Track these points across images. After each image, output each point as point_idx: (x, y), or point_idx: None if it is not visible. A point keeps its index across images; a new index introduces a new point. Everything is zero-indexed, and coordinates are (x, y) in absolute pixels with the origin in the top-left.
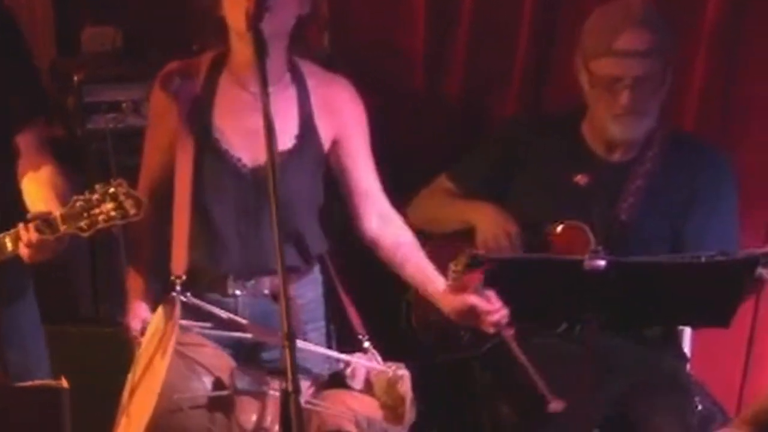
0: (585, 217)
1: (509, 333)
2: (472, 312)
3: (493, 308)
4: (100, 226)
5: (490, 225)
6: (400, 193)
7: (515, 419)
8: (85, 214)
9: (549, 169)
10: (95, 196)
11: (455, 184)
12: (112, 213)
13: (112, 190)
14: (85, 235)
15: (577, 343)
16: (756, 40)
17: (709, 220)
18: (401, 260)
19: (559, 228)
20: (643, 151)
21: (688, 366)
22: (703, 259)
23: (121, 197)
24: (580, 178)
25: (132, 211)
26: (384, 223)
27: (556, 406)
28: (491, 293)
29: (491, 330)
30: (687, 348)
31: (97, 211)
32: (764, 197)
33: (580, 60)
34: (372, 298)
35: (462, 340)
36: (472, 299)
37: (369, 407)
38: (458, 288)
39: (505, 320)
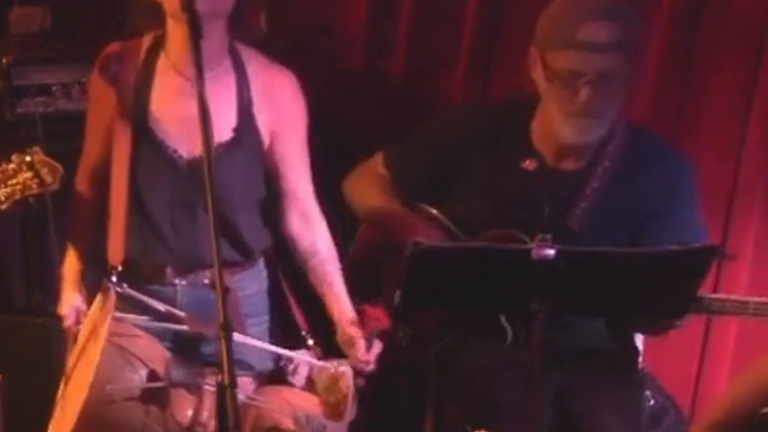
0: (535, 208)
1: (359, 382)
2: (352, 348)
3: (366, 360)
4: (17, 197)
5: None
6: (338, 177)
7: (459, 416)
8: (2, 186)
9: (494, 172)
10: (11, 166)
11: (391, 175)
12: (30, 182)
13: (28, 158)
14: (3, 207)
15: (524, 348)
16: (716, 27)
17: (671, 230)
18: (311, 268)
19: (492, 232)
20: (597, 157)
21: (640, 359)
22: (658, 250)
23: (38, 166)
24: (529, 164)
25: (48, 179)
26: (305, 225)
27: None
28: (377, 347)
29: (350, 365)
30: (639, 341)
31: (14, 181)
32: (720, 192)
33: (536, 51)
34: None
35: (401, 343)
36: (359, 341)
37: (309, 403)
38: (359, 323)
39: (365, 373)
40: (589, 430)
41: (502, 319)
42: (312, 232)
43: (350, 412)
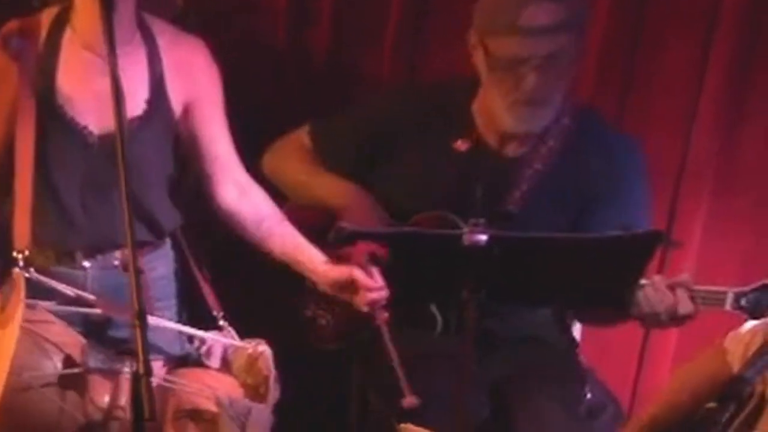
0: (468, 190)
1: (383, 316)
2: (351, 285)
3: (375, 285)
4: None
5: (358, 218)
6: (258, 156)
7: (385, 407)
8: None
9: (427, 153)
10: None
11: (316, 149)
12: None
13: None
14: None
15: (456, 337)
16: (664, 1)
17: (617, 215)
18: (266, 234)
19: (422, 216)
20: (541, 139)
21: (578, 351)
22: (599, 235)
23: None
24: (460, 144)
25: None
26: (242, 194)
27: (410, 402)
28: (375, 270)
29: (365, 309)
30: (577, 332)
31: None
32: (666, 174)
33: (475, 36)
34: (229, 273)
35: (323, 331)
36: (355, 271)
37: (228, 386)
38: (342, 257)
39: (382, 302)
40: (527, 422)
41: (433, 307)
42: (252, 198)
43: (273, 394)
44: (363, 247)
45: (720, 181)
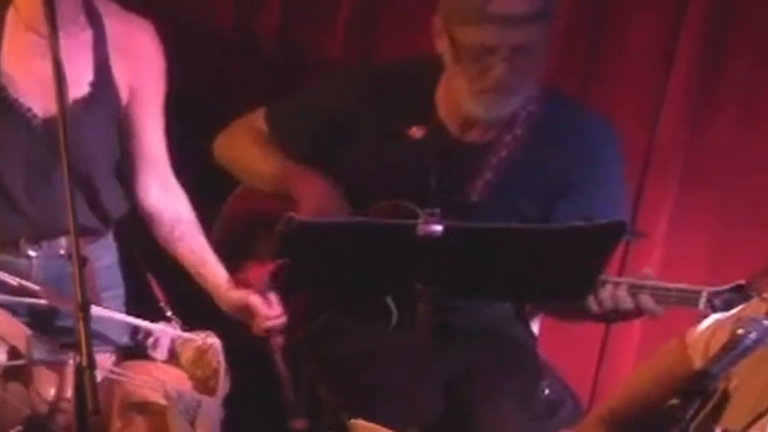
0: (422, 178)
1: (277, 342)
2: (249, 311)
3: (272, 314)
4: None
5: (316, 203)
6: (206, 144)
7: (335, 402)
8: None
9: (385, 140)
10: None
11: (271, 132)
12: None
13: None
14: None
15: (410, 330)
16: None
17: (590, 204)
18: (178, 238)
19: (380, 204)
20: (507, 126)
21: (537, 346)
22: (559, 226)
23: None
24: (415, 131)
25: None
26: (165, 195)
27: (297, 424)
28: (274, 298)
29: (262, 334)
30: (536, 326)
31: None
32: (631, 163)
33: (440, 23)
34: (175, 263)
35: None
36: (253, 299)
37: (177, 379)
38: (241, 282)
39: (279, 328)
40: (484, 419)
41: (388, 299)
42: (173, 200)
43: (223, 387)
44: (262, 271)
45: (688, 170)
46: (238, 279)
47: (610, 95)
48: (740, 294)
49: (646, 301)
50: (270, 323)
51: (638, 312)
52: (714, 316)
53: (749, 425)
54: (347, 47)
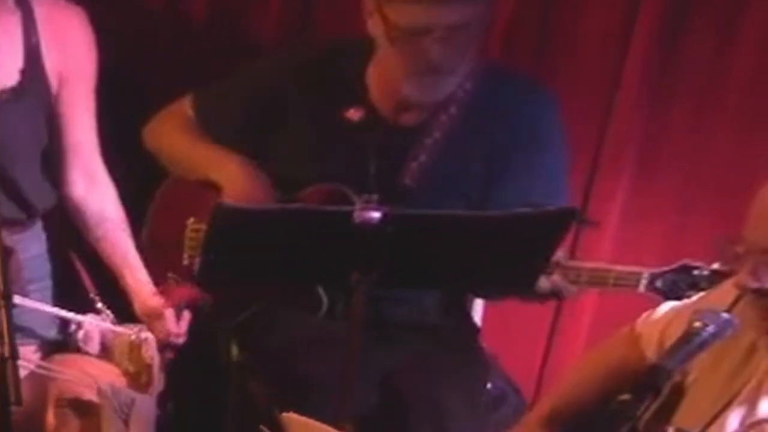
0: (361, 163)
1: (169, 355)
2: (158, 321)
3: (176, 331)
4: None
5: (239, 190)
6: (135, 131)
7: (265, 395)
8: None
9: (318, 124)
10: None
11: (198, 119)
12: None
13: None
14: None
15: (342, 321)
16: None
17: (530, 188)
18: (101, 235)
19: (313, 189)
20: (442, 105)
21: (478, 337)
22: (504, 213)
23: None
24: (353, 113)
25: None
26: (91, 188)
27: None
28: (187, 317)
29: (157, 345)
30: (478, 317)
31: None
32: (583, 148)
33: (372, 2)
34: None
35: (200, 313)
36: (168, 312)
37: (110, 374)
38: (162, 293)
39: (176, 346)
40: (423, 414)
41: (319, 288)
42: (100, 194)
43: (157, 383)
44: (185, 292)
45: (643, 157)
46: (161, 290)
47: (561, 78)
48: (685, 275)
49: (560, 281)
50: (170, 339)
51: (553, 293)
52: (668, 305)
53: (707, 425)
54: (282, 27)
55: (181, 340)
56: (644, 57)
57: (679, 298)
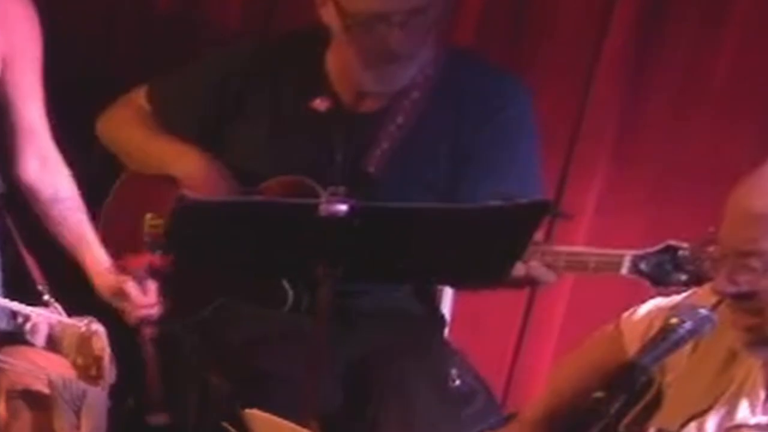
0: (326, 154)
1: (147, 332)
2: (122, 297)
3: (145, 302)
4: None
5: (200, 183)
6: (88, 121)
7: (228, 391)
8: None
9: (279, 114)
10: None
11: (155, 111)
12: None
13: None
14: None
15: (307, 315)
16: None
17: (497, 179)
18: (57, 216)
19: (277, 180)
20: (403, 93)
21: (446, 332)
22: (475, 206)
23: None
24: (319, 103)
25: None
26: (44, 169)
27: (156, 419)
28: (152, 286)
29: (132, 322)
30: (447, 310)
31: None
32: (557, 136)
33: None
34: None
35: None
36: (128, 285)
37: (60, 366)
38: (119, 268)
39: (152, 318)
40: (390, 403)
41: (285, 282)
42: (53, 176)
43: (108, 375)
44: (142, 260)
45: (620, 146)
46: (118, 264)
47: (536, 63)
48: (669, 256)
49: (536, 267)
50: (143, 312)
51: (528, 280)
52: (654, 301)
53: (684, 424)
54: (246, 19)
55: (154, 311)
56: (623, 44)
57: (664, 281)
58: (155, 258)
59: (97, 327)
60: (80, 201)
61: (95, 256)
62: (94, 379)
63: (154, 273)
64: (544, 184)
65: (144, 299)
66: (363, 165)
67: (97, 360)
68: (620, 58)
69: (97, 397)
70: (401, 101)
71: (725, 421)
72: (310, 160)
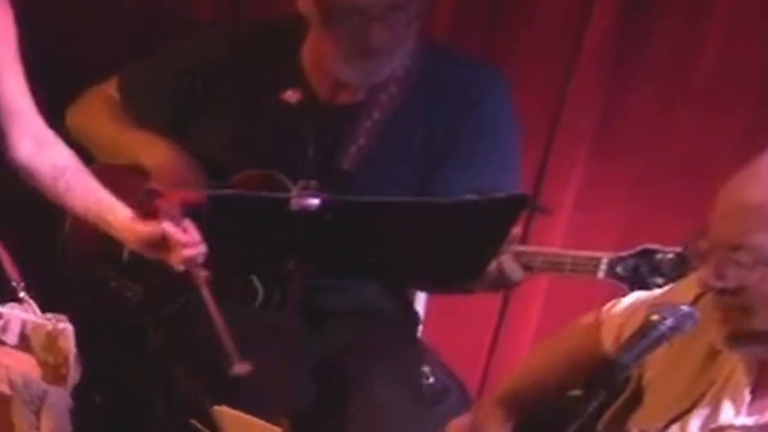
0: (298, 147)
1: (202, 275)
2: (163, 243)
3: (189, 240)
4: None
5: (169, 175)
6: (56, 113)
7: (193, 385)
8: None
9: (251, 105)
10: None
11: (125, 102)
12: None
13: None
14: None
15: (277, 311)
16: None
17: (475, 174)
18: (64, 189)
19: (246, 174)
20: (380, 87)
21: (420, 329)
22: (451, 200)
23: None
24: (291, 95)
25: None
26: (39, 148)
27: (240, 368)
28: (190, 224)
29: (180, 267)
30: (421, 307)
31: None
32: (535, 128)
33: None
34: (29, 240)
35: (129, 304)
36: (165, 226)
37: (25, 364)
38: (152, 212)
39: (200, 259)
40: (360, 406)
41: (254, 277)
42: (48, 150)
43: (73, 375)
44: (175, 198)
45: (601, 140)
46: (144, 212)
47: (514, 52)
48: (646, 259)
49: (508, 263)
50: (189, 251)
51: (498, 278)
52: (637, 294)
53: (664, 428)
54: (216, 7)
55: (201, 249)
56: (605, 34)
57: (641, 284)
58: (188, 194)
59: (66, 326)
60: (81, 164)
61: (118, 212)
62: (60, 379)
63: (189, 211)
64: (522, 178)
65: (186, 237)
66: (338, 161)
67: (64, 359)
68: (602, 49)
69: (59, 397)
70: (378, 95)
71: (709, 422)
72: (280, 154)
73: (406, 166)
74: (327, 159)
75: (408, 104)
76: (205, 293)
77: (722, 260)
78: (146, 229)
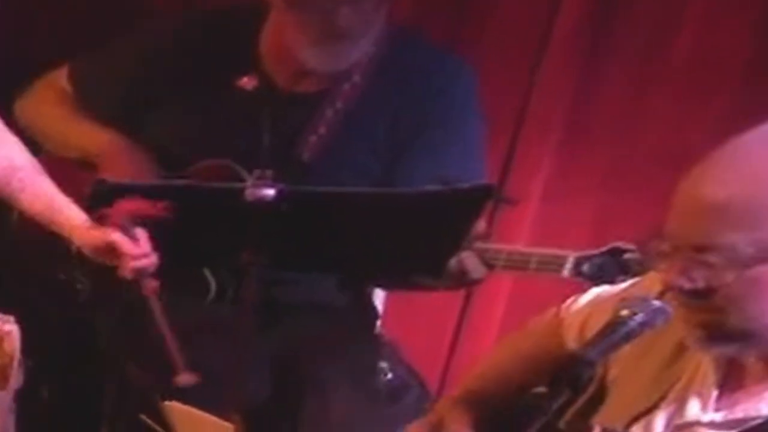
0: (254, 136)
1: (151, 285)
2: (114, 255)
3: (138, 252)
4: None
5: (118, 168)
6: (5, 103)
7: (146, 383)
8: None
9: (205, 93)
10: None
11: (76, 92)
12: None
13: None
14: None
15: (231, 305)
16: None
17: (438, 165)
18: (17, 188)
19: (200, 165)
20: (344, 76)
21: (378, 324)
22: (412, 190)
23: None
24: (246, 82)
25: None
26: None
27: (185, 379)
28: (141, 233)
29: (130, 276)
30: (379, 302)
31: None
32: (502, 117)
33: None
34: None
35: (79, 297)
36: (115, 236)
37: None
38: (99, 219)
39: (150, 269)
40: (313, 402)
41: (206, 270)
42: (2, 148)
43: (16, 378)
44: (125, 206)
45: (570, 129)
46: (98, 217)
47: (481, 39)
48: (614, 259)
49: (470, 259)
50: (138, 263)
51: (459, 276)
52: (596, 290)
53: (628, 425)
54: None
55: (150, 260)
56: (577, 19)
57: (606, 284)
58: (139, 203)
59: (12, 328)
60: (37, 164)
61: (70, 215)
62: (3, 382)
63: (140, 220)
64: (488, 168)
65: (135, 248)
66: (296, 152)
67: (8, 362)
68: (573, 34)
69: (2, 401)
70: (341, 84)
71: (674, 418)
72: (235, 143)
73: (369, 155)
74: (285, 148)
75: (372, 92)
76: (153, 304)
77: (688, 261)
78: (97, 236)
